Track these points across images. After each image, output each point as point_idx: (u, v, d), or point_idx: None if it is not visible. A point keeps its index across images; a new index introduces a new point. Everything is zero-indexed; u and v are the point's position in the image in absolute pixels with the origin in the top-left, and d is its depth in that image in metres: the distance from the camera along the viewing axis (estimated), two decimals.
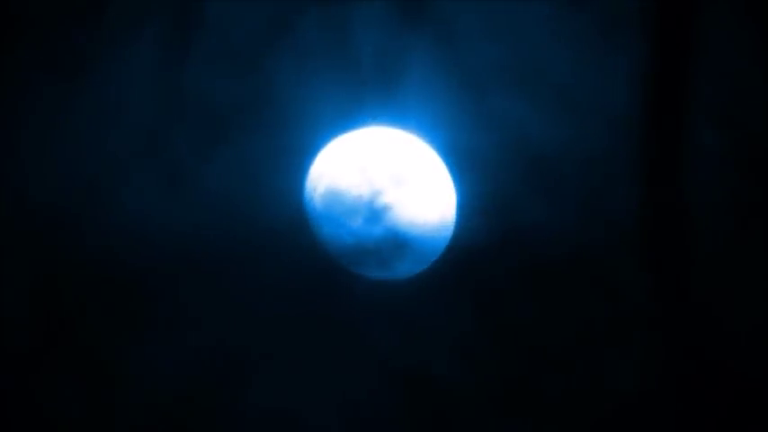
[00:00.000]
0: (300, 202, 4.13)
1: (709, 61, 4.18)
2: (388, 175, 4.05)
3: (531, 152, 4.18)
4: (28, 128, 4.20)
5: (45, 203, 4.19)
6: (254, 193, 4.16)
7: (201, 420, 4.18)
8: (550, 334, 4.17)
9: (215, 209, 4.17)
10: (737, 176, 4.17)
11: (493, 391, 4.18)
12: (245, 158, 4.18)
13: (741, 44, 4.17)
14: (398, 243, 4.06)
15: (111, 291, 4.18)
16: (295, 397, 4.18)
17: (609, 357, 4.16)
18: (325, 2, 4.18)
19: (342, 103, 4.16)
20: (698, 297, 4.15)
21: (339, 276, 4.14)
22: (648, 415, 4.16)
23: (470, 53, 4.17)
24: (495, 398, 4.18)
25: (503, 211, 4.17)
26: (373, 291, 4.15)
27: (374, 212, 4.04)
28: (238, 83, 4.19)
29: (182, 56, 4.20)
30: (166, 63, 4.20)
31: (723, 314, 4.14)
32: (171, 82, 4.20)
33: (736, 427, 4.12)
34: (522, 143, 4.18)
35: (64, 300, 4.17)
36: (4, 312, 4.15)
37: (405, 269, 4.11)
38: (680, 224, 4.18)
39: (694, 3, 4.17)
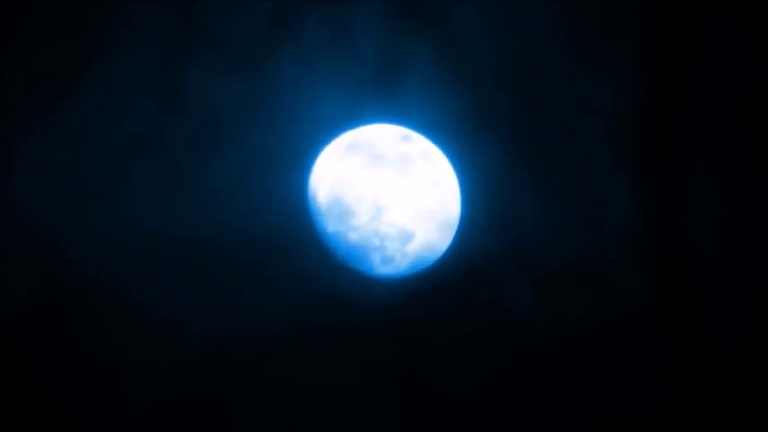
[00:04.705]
0: (303, 202, 4.13)
1: (708, 62, 4.20)
2: (390, 173, 4.06)
3: (532, 150, 4.19)
4: (27, 128, 4.19)
5: (44, 204, 4.17)
6: (257, 193, 4.16)
7: (202, 420, 4.16)
8: (550, 334, 4.17)
9: (216, 209, 4.17)
10: (737, 177, 4.19)
11: (492, 391, 4.17)
12: (246, 158, 4.18)
13: (741, 45, 4.20)
14: (402, 241, 4.06)
15: (111, 292, 4.16)
16: (295, 396, 4.16)
17: (609, 357, 4.16)
18: (325, 2, 4.19)
19: (343, 101, 4.16)
20: (697, 297, 4.16)
21: (342, 274, 4.13)
22: (649, 415, 4.16)
23: (470, 52, 4.18)
24: (494, 398, 4.18)
25: (504, 209, 4.18)
26: (376, 289, 4.14)
27: (377, 210, 4.04)
28: (238, 83, 4.19)
29: (182, 56, 4.20)
30: (166, 63, 4.20)
31: (722, 314, 4.15)
32: (171, 82, 4.20)
33: (735, 426, 4.12)
34: (521, 141, 4.19)
35: (64, 301, 4.15)
36: (3, 314, 4.14)
37: (408, 267, 4.11)
38: (679, 225, 4.19)
39: (694, 3, 4.19)
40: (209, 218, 4.16)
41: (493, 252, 4.18)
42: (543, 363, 4.17)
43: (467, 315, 4.18)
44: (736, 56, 4.19)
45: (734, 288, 4.15)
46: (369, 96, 4.17)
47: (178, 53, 4.20)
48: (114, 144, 4.20)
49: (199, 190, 4.17)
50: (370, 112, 4.16)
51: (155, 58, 4.21)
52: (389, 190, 4.04)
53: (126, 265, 4.15)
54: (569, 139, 4.20)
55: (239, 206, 4.16)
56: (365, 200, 4.04)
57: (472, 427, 4.18)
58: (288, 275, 4.15)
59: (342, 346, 4.16)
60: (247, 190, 4.17)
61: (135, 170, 4.18)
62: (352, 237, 4.05)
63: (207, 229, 4.16)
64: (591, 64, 4.19)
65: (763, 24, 4.19)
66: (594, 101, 4.20)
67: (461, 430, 4.18)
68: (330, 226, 4.07)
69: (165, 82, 4.20)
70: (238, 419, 4.17)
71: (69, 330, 4.15)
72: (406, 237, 4.06)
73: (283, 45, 4.20)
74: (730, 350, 4.13)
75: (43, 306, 4.15)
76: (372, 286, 4.14)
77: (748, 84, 4.19)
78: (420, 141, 4.14)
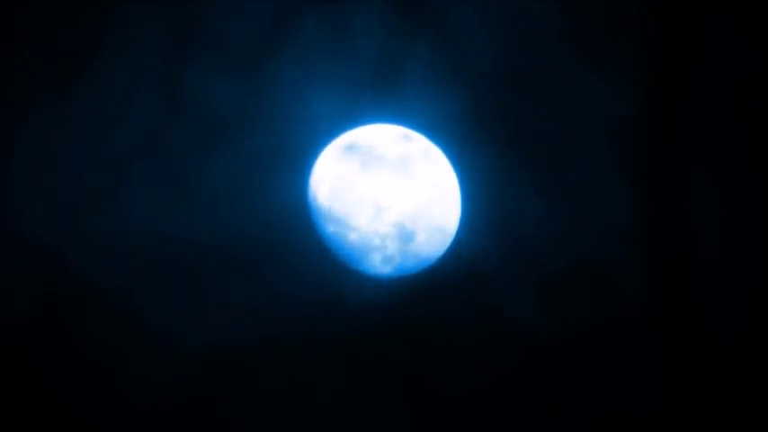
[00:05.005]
0: (303, 202, 4.12)
1: (708, 63, 4.20)
2: (390, 173, 4.05)
3: (532, 150, 4.19)
4: (27, 128, 4.18)
5: (44, 205, 4.17)
6: (257, 193, 4.16)
7: (203, 422, 4.15)
8: (550, 333, 4.17)
9: (217, 209, 4.16)
10: (737, 177, 4.19)
11: (493, 391, 4.17)
12: (246, 158, 4.18)
13: (741, 46, 4.20)
14: (402, 241, 4.05)
15: (110, 293, 4.16)
16: (295, 397, 4.16)
17: (609, 357, 4.16)
18: (325, 2, 4.19)
19: (343, 101, 4.16)
20: (697, 297, 4.16)
21: (342, 275, 4.13)
22: (649, 415, 4.15)
23: (470, 52, 4.18)
24: (495, 399, 4.17)
25: (504, 208, 4.18)
26: (376, 289, 4.14)
27: (377, 211, 4.03)
28: (238, 83, 4.19)
29: (182, 56, 4.20)
30: (166, 63, 4.20)
31: (722, 314, 4.15)
32: (171, 82, 4.20)
33: (735, 426, 4.12)
34: (521, 141, 4.19)
35: (63, 301, 4.15)
36: (2, 315, 4.13)
37: (408, 267, 4.11)
38: (679, 225, 4.19)
39: (694, 3, 4.19)
40: (208, 218, 4.16)
41: (493, 252, 4.18)
42: (543, 363, 4.17)
43: (467, 315, 4.18)
44: (735, 56, 4.19)
45: (734, 288, 4.15)
46: (369, 96, 4.16)
47: (178, 53, 4.20)
48: (114, 144, 4.19)
49: (199, 190, 4.17)
50: (369, 112, 4.16)
51: (155, 58, 4.21)
52: (389, 190, 4.04)
53: (126, 266, 4.15)
54: (569, 139, 4.20)
55: (239, 206, 4.16)
56: (365, 200, 4.04)
57: (472, 427, 4.18)
58: (288, 276, 4.15)
59: (342, 347, 4.16)
60: (247, 190, 4.17)
61: (135, 170, 4.18)
62: (352, 237, 4.05)
63: (206, 230, 4.15)
64: (591, 64, 4.19)
65: (762, 25, 4.19)
66: (594, 101, 4.20)
67: (461, 430, 4.18)
68: (330, 226, 4.07)
69: (164, 82, 4.20)
70: (238, 421, 4.16)
71: (69, 331, 4.15)
72: (406, 237, 4.06)
73: (283, 45, 4.19)
74: (730, 350, 4.12)
75: (42, 307, 4.14)
76: (372, 286, 4.14)
77: (748, 84, 4.18)
78: (420, 141, 4.14)
